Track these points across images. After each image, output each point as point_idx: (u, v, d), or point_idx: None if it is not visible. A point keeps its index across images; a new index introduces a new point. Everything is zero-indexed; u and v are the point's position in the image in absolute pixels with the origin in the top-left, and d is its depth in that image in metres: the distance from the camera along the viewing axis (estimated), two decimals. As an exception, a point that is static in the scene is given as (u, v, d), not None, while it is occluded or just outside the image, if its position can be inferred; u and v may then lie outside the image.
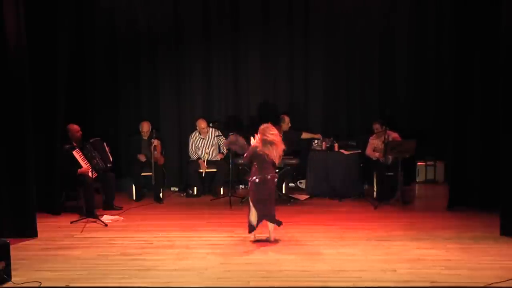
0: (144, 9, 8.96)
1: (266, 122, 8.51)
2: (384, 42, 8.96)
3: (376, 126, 8.12)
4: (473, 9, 6.95)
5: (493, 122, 6.69)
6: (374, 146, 8.19)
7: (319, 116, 9.21)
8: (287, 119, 8.56)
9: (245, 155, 5.98)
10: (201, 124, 8.58)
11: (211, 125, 8.83)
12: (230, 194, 7.89)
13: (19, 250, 5.50)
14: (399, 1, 8.89)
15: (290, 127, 8.61)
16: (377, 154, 8.14)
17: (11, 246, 4.86)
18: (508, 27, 5.91)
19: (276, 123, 8.55)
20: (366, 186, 8.54)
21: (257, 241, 5.85)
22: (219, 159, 8.64)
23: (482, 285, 4.57)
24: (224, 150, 8.73)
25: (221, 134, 8.71)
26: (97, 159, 7.26)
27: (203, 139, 8.63)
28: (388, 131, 7.95)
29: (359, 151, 8.30)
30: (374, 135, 8.17)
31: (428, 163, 8.38)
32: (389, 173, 7.96)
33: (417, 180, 8.38)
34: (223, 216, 7.17)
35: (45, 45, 6.87)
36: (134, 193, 8.27)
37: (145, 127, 8.40)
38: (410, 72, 8.95)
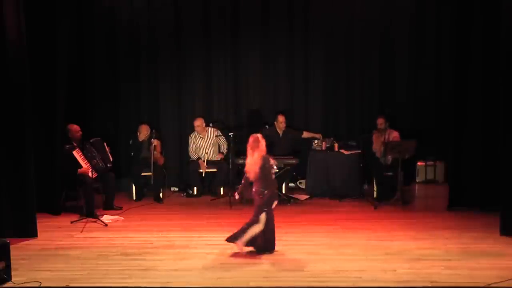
0: (144, 8, 8.94)
1: (265, 123, 8.64)
2: (384, 42, 8.95)
3: (380, 121, 8.09)
4: (473, 8, 6.96)
5: (493, 122, 6.69)
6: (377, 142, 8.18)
7: (319, 116, 9.19)
8: (280, 118, 8.53)
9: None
10: (195, 122, 8.58)
11: (211, 124, 8.83)
12: (230, 194, 7.89)
13: (19, 250, 5.50)
14: (400, 1, 8.88)
15: (289, 126, 8.59)
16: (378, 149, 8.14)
17: (11, 246, 4.86)
18: (509, 29, 5.92)
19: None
20: (366, 186, 8.53)
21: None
22: (218, 159, 8.63)
23: (482, 285, 4.57)
24: (224, 150, 8.72)
25: (220, 134, 8.71)
26: (97, 159, 7.27)
27: (202, 138, 8.62)
28: (388, 130, 7.96)
29: (359, 151, 8.29)
30: (377, 132, 8.15)
31: (428, 163, 8.37)
32: (389, 173, 7.95)
33: (417, 180, 8.36)
34: (223, 216, 7.17)
35: (45, 45, 6.87)
36: (134, 193, 8.27)
37: (144, 130, 8.37)
38: (411, 72, 8.93)
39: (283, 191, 8.24)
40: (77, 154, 7.26)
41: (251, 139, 5.62)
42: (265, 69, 9.15)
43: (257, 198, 5.49)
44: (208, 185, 8.74)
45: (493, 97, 6.66)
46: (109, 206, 7.52)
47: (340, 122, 9.20)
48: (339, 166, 8.27)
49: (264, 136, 8.40)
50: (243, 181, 5.70)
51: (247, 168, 5.57)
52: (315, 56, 9.06)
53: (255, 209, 5.51)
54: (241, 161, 8.20)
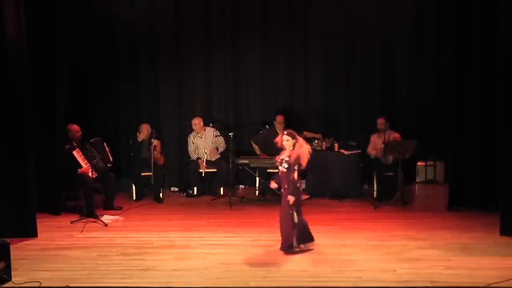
0: (144, 8, 8.95)
1: (267, 122, 8.65)
2: (384, 42, 8.94)
3: (381, 121, 8.08)
4: (473, 8, 6.97)
5: (493, 122, 6.69)
6: (375, 144, 8.19)
7: (319, 116, 9.19)
8: (279, 118, 8.50)
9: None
10: (193, 121, 8.58)
11: (211, 124, 8.82)
12: (230, 194, 7.89)
13: (19, 250, 5.50)
14: (400, 1, 8.88)
15: (287, 126, 8.57)
16: (373, 152, 8.13)
17: (11, 246, 4.86)
18: (509, 29, 5.92)
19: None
20: (366, 186, 8.53)
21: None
22: (214, 159, 8.60)
23: (482, 285, 4.57)
24: (221, 149, 8.68)
25: (219, 134, 8.69)
26: (97, 159, 7.26)
27: (201, 137, 8.62)
28: (389, 131, 7.95)
29: (359, 151, 8.28)
30: (376, 133, 8.16)
31: (428, 163, 8.37)
32: (389, 173, 7.95)
33: (417, 180, 8.36)
34: (223, 216, 7.17)
35: (45, 45, 6.86)
36: (134, 193, 8.27)
37: (144, 130, 8.37)
38: (411, 72, 8.93)
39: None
40: (77, 154, 7.26)
41: (294, 134, 5.55)
42: (265, 69, 9.15)
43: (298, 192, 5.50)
44: (208, 185, 8.74)
45: (493, 97, 6.66)
46: (109, 206, 7.52)
47: (340, 122, 9.19)
48: (339, 166, 8.26)
49: (264, 136, 8.54)
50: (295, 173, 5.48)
51: (303, 159, 5.43)
52: (315, 56, 9.06)
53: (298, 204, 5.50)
54: (241, 161, 8.23)
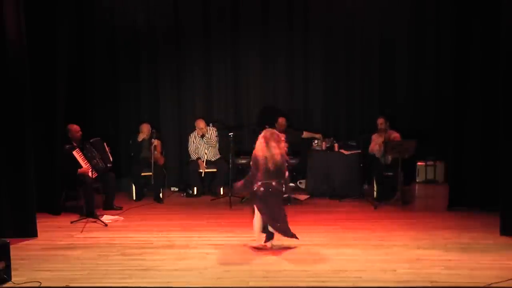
0: (144, 9, 8.95)
1: (266, 122, 8.63)
2: (384, 42, 8.94)
3: (381, 121, 8.09)
4: (473, 8, 6.97)
5: (493, 122, 6.69)
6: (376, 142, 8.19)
7: (319, 116, 9.20)
8: (280, 121, 8.51)
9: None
10: (200, 124, 8.57)
11: (211, 124, 8.82)
12: (230, 194, 7.89)
13: (19, 250, 5.50)
14: (400, 0, 8.87)
15: (289, 126, 8.59)
16: (376, 147, 8.12)
17: (11, 246, 4.86)
18: (508, 29, 5.92)
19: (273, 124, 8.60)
20: (366, 186, 8.53)
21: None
22: (214, 159, 8.61)
23: (482, 285, 4.57)
24: (208, 138, 8.67)
25: (217, 134, 8.68)
26: (97, 159, 7.26)
27: (202, 138, 8.62)
28: (389, 131, 7.95)
29: (359, 151, 8.29)
30: (377, 133, 8.16)
31: (428, 163, 8.37)
32: (389, 173, 7.95)
33: (417, 180, 8.36)
34: (223, 216, 7.17)
35: (45, 45, 6.87)
36: (134, 193, 8.27)
37: (145, 129, 8.37)
38: (411, 72, 8.93)
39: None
40: (77, 154, 7.26)
41: (272, 132, 5.63)
42: (265, 69, 9.15)
43: (278, 189, 5.55)
44: (208, 185, 8.74)
45: (493, 97, 6.66)
46: (109, 206, 7.52)
47: (340, 122, 9.19)
48: (339, 166, 8.26)
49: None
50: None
51: (269, 158, 5.44)
52: (315, 56, 9.06)
53: (278, 201, 5.64)
54: (241, 161, 8.24)
